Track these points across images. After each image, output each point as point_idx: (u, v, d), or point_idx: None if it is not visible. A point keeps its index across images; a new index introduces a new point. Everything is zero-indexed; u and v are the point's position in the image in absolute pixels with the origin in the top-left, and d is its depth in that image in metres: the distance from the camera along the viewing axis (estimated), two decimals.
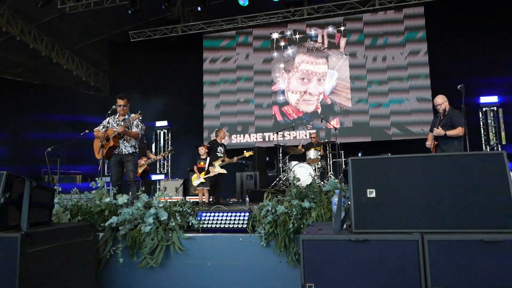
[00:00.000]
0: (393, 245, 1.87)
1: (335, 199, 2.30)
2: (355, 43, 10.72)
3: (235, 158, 7.51)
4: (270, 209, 2.76)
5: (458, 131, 5.05)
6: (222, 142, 7.82)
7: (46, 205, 2.62)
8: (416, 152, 2.06)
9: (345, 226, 2.12)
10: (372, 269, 1.87)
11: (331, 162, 8.83)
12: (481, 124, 9.85)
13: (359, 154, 8.76)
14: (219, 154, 7.45)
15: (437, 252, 1.81)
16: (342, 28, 10.84)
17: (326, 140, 9.26)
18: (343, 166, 8.55)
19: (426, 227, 1.90)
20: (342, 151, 8.70)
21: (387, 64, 10.41)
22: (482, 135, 9.83)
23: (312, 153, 8.30)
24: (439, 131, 5.17)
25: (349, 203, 2.03)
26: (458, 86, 5.20)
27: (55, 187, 3.16)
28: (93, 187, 3.31)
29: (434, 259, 1.80)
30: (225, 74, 11.59)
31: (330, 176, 8.12)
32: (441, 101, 5.37)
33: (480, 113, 9.83)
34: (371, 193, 1.99)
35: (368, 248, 1.89)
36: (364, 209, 1.99)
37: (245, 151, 7.59)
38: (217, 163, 7.19)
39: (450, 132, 5.10)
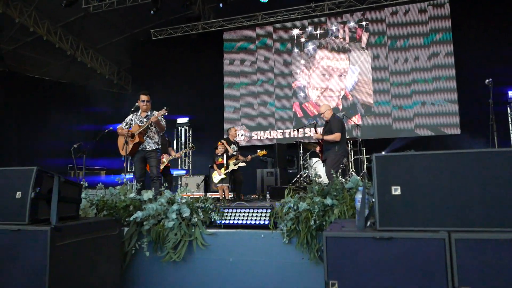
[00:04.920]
0: (418, 243, 1.84)
1: (358, 196, 2.28)
2: (378, 44, 10.50)
3: (249, 157, 7.56)
4: (292, 205, 2.76)
5: (335, 136, 5.56)
6: (235, 140, 7.87)
7: (74, 200, 2.69)
8: (439, 149, 2.02)
9: (368, 223, 2.09)
10: (397, 268, 1.85)
11: (352, 159, 8.74)
12: (510, 119, 9.53)
13: (383, 153, 8.64)
14: (232, 152, 7.51)
15: (465, 251, 1.76)
16: (363, 23, 10.67)
17: (348, 137, 9.15)
18: (365, 163, 8.44)
19: (453, 225, 1.86)
20: (364, 148, 8.60)
21: (410, 65, 10.18)
22: (511, 131, 9.50)
23: None
24: (317, 135, 5.82)
25: (373, 200, 2.01)
26: (486, 81, 5.07)
27: (82, 182, 3.24)
28: (119, 182, 3.39)
29: (462, 258, 1.76)
30: (245, 76, 11.59)
31: (352, 173, 8.03)
32: (324, 109, 5.90)
33: (508, 108, 9.50)
34: (396, 190, 1.96)
35: (393, 246, 1.87)
36: (388, 206, 1.96)
37: (258, 150, 7.68)
38: (231, 162, 7.25)
39: (327, 137, 5.64)
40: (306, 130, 10.67)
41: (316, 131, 6.05)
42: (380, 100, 10.31)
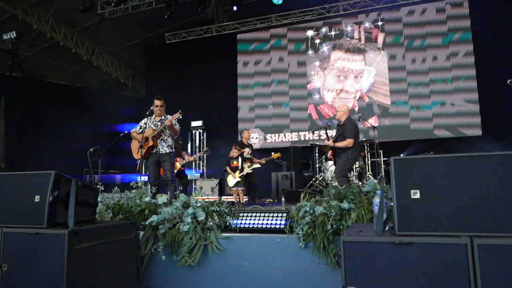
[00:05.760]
0: (439, 248, 1.79)
1: (376, 200, 2.23)
2: (395, 44, 10.34)
3: (263, 160, 7.52)
4: (308, 209, 2.72)
5: (347, 142, 5.37)
6: (249, 142, 7.83)
7: (91, 204, 2.71)
8: (459, 151, 1.95)
9: (387, 228, 2.05)
10: (416, 274, 1.80)
11: (369, 161, 8.62)
12: None
13: (401, 155, 8.47)
14: (247, 155, 7.49)
15: (488, 257, 1.70)
16: (379, 23, 10.54)
17: (365, 139, 9.03)
18: (383, 166, 8.31)
19: (475, 230, 1.79)
20: (381, 151, 8.48)
21: (428, 65, 9.98)
22: None
23: None
24: (329, 142, 5.60)
25: (392, 204, 1.96)
26: (508, 81, 4.94)
27: (98, 186, 3.27)
28: (134, 186, 3.40)
29: (485, 265, 1.70)
30: (259, 77, 11.58)
31: (369, 176, 7.92)
32: (340, 109, 5.71)
33: None
34: (415, 194, 1.91)
35: (412, 252, 1.82)
36: (408, 210, 1.91)
37: (272, 153, 7.63)
38: (245, 165, 7.22)
39: (338, 144, 5.46)
40: (322, 132, 10.59)
41: (327, 135, 5.93)
42: (397, 101, 10.15)
